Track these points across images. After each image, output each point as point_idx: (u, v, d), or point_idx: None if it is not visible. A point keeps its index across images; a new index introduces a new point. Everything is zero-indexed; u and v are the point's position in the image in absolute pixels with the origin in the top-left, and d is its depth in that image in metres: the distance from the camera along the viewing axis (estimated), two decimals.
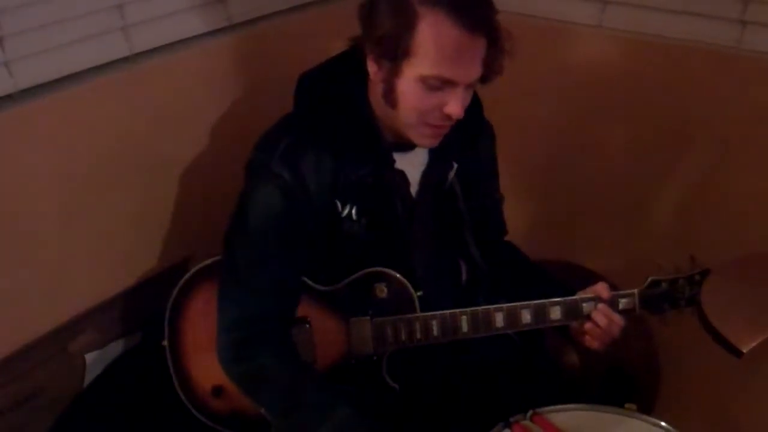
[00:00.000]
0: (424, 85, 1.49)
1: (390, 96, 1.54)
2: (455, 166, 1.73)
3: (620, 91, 2.17)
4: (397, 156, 1.67)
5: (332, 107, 1.63)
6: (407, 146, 1.67)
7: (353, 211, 1.64)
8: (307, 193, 1.59)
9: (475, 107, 1.74)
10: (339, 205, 1.63)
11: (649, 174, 2.19)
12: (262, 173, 1.60)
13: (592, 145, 2.26)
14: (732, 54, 1.97)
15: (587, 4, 2.15)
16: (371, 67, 1.55)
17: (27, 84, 1.71)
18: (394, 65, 1.50)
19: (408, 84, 1.51)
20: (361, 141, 1.62)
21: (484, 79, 1.55)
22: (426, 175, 1.73)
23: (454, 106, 1.51)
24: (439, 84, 1.49)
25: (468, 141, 1.75)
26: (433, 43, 1.45)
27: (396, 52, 1.48)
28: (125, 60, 1.87)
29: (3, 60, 1.66)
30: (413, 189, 1.72)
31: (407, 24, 1.46)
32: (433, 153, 1.72)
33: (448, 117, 1.53)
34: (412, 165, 1.71)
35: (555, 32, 2.21)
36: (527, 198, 2.32)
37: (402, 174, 1.69)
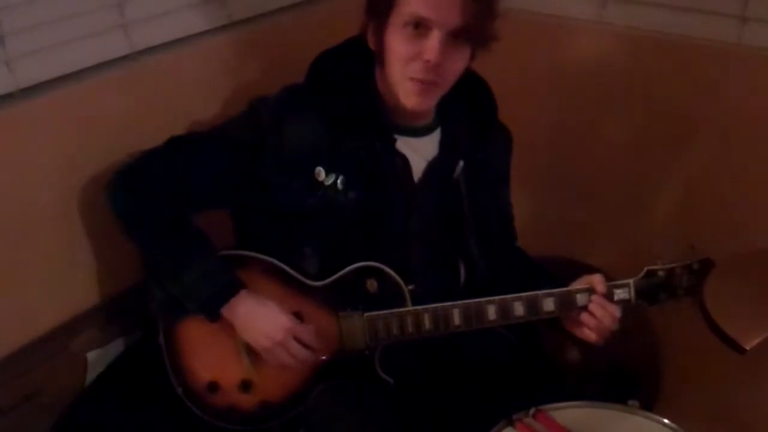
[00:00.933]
0: (404, 31, 1.57)
1: (380, 55, 1.63)
2: (461, 163, 1.73)
3: (620, 87, 2.17)
4: (401, 139, 1.70)
5: (339, 80, 1.69)
6: (414, 132, 1.70)
7: (338, 181, 1.66)
8: (279, 144, 1.65)
9: (488, 108, 1.77)
10: (322, 172, 1.66)
11: (650, 169, 2.19)
12: (250, 108, 1.72)
13: (592, 141, 2.26)
14: (733, 50, 1.97)
15: (587, 0, 2.15)
16: (369, 39, 1.65)
17: (28, 82, 1.71)
18: (382, 20, 1.60)
19: (392, 35, 1.60)
20: (360, 113, 1.67)
21: (469, 36, 1.59)
22: (432, 166, 1.73)
23: (430, 50, 1.55)
24: (415, 26, 1.56)
25: (477, 141, 1.76)
26: None
27: (383, 5, 1.59)
28: (125, 58, 1.87)
29: (4, 58, 1.66)
30: (416, 176, 1.73)
31: None
32: (443, 145, 1.74)
33: (427, 67, 1.57)
34: (417, 152, 1.72)
35: (555, 28, 2.22)
36: (528, 194, 2.31)
37: (403, 157, 1.70)
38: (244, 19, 2.09)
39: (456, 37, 1.57)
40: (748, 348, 1.41)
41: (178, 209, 1.70)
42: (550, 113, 2.30)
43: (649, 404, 2.12)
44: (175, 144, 1.74)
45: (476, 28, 1.57)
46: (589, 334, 1.68)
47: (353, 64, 1.69)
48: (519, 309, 1.67)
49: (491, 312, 1.67)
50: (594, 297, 1.66)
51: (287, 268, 1.71)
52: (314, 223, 1.68)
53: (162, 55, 1.92)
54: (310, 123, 1.66)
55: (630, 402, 1.56)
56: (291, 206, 1.68)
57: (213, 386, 1.75)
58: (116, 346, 2.01)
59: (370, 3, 1.64)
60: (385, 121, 1.69)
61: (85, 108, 1.79)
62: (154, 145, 1.74)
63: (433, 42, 1.55)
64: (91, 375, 1.96)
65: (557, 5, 2.20)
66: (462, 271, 1.83)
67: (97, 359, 1.96)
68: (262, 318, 1.65)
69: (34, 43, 1.70)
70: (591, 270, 1.72)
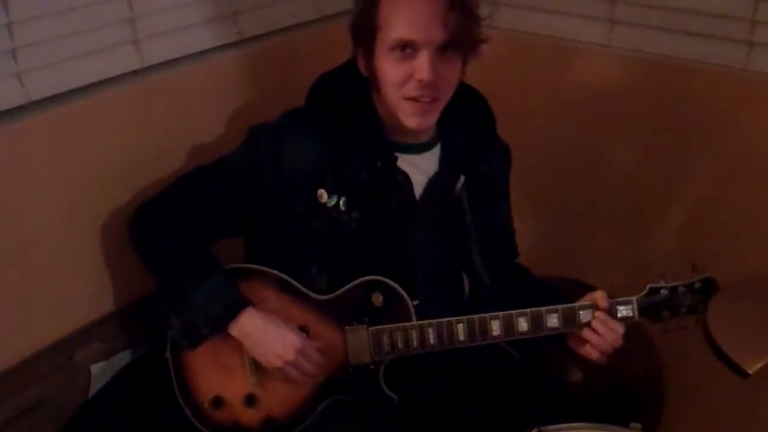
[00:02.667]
0: (392, 55, 1.59)
1: (374, 81, 1.65)
2: (462, 178, 1.74)
3: (626, 111, 2.17)
4: (402, 157, 1.71)
5: (339, 102, 1.71)
6: (414, 149, 1.71)
7: (341, 202, 1.67)
8: (279, 168, 1.67)
9: (486, 122, 1.78)
10: (324, 194, 1.67)
11: (654, 192, 2.20)
12: (248, 136, 1.74)
13: (598, 163, 2.27)
14: (739, 75, 1.98)
15: (595, 24, 2.16)
16: (360, 65, 1.67)
17: (39, 95, 1.72)
18: (369, 47, 1.62)
19: (381, 60, 1.61)
20: (361, 135, 1.68)
21: (457, 47, 1.60)
22: (433, 182, 1.74)
23: (422, 70, 1.57)
24: (402, 48, 1.57)
25: (478, 155, 1.77)
26: (392, 11, 1.58)
27: (367, 33, 1.62)
28: (136, 73, 1.89)
29: (15, 71, 1.67)
30: (417, 193, 1.74)
31: (372, 4, 1.60)
32: (443, 161, 1.75)
33: (421, 85, 1.58)
34: (418, 169, 1.73)
35: (563, 51, 2.23)
36: (532, 215, 2.32)
37: (404, 175, 1.71)
38: (254, 36, 2.11)
39: (444, 50, 1.58)
40: (750, 372, 1.40)
41: (190, 240, 1.74)
42: (556, 135, 2.30)
43: (652, 427, 2.11)
44: (183, 181, 1.79)
45: (462, 37, 1.58)
46: (591, 352, 1.68)
47: (352, 86, 1.70)
48: (523, 325, 1.67)
49: (495, 327, 1.67)
50: (597, 313, 1.66)
51: (293, 282, 1.72)
52: (320, 243, 1.70)
53: (173, 71, 1.94)
54: (310, 146, 1.67)
55: (632, 425, 1.55)
56: (296, 228, 1.70)
57: (218, 401, 1.75)
58: (121, 359, 2.01)
59: (355, 32, 1.66)
60: (386, 141, 1.71)
61: (96, 122, 1.80)
62: (164, 160, 1.75)
63: (422, 61, 1.56)
64: (95, 387, 1.96)
65: (565, 29, 2.21)
66: (466, 284, 1.83)
67: (101, 371, 1.96)
68: (271, 337, 1.66)
69: (46, 57, 1.72)
70: (594, 290, 1.72)
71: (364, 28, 1.61)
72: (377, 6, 1.59)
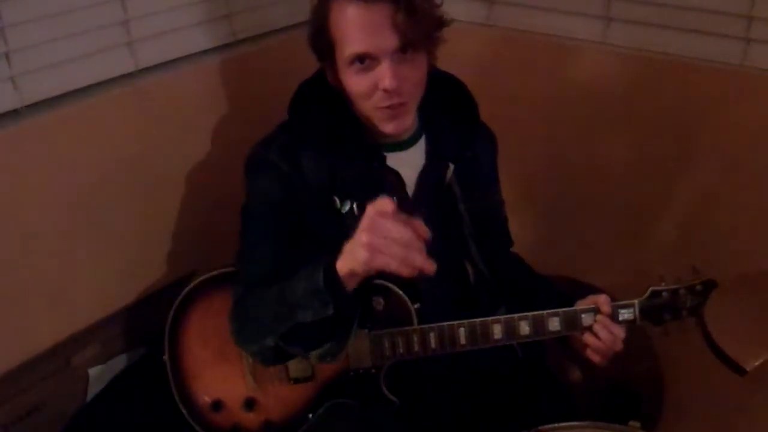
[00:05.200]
0: (352, 68, 1.57)
1: (344, 93, 1.63)
2: (452, 166, 1.74)
3: (624, 108, 2.17)
4: (390, 156, 1.70)
5: (322, 111, 1.69)
6: (400, 146, 1.71)
7: (354, 207, 1.66)
8: (305, 183, 1.64)
9: (468, 109, 1.77)
10: (338, 201, 1.66)
11: (653, 190, 2.19)
12: (261, 165, 1.67)
13: (595, 162, 2.26)
14: (736, 71, 1.97)
15: (591, 21, 2.15)
16: (328, 77, 1.66)
17: (33, 99, 1.72)
18: (330, 62, 1.61)
19: (345, 74, 1.60)
20: (350, 139, 1.67)
21: (416, 47, 1.57)
22: (422, 175, 1.74)
23: (384, 79, 1.55)
24: (360, 61, 1.56)
25: (463, 141, 1.76)
26: (341, 27, 1.56)
27: (324, 49, 1.61)
28: (130, 75, 1.88)
29: (9, 75, 1.68)
30: (409, 189, 1.73)
31: (322, 20, 1.59)
32: (429, 153, 1.74)
33: (388, 93, 1.57)
34: (407, 165, 1.72)
35: (559, 49, 2.22)
36: (531, 214, 2.32)
37: (395, 173, 1.70)
38: (248, 37, 2.11)
39: (404, 52, 1.56)
40: (748, 369, 1.40)
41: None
42: (553, 133, 2.30)
43: (651, 426, 2.11)
44: (248, 272, 1.68)
45: (416, 37, 1.56)
46: (593, 356, 1.68)
47: (329, 94, 1.68)
48: (525, 328, 1.66)
49: (497, 331, 1.67)
50: (599, 318, 1.66)
51: None
52: (333, 251, 1.68)
53: (167, 73, 1.94)
54: (318, 155, 1.66)
55: (631, 423, 1.55)
56: (314, 236, 1.66)
57: (217, 404, 1.75)
58: (118, 362, 2.01)
59: (315, 49, 1.65)
60: (372, 143, 1.69)
61: (90, 125, 1.80)
62: (159, 162, 1.73)
63: (383, 71, 1.55)
64: (92, 391, 1.96)
65: (561, 26, 2.20)
66: (470, 271, 1.82)
67: (98, 375, 1.97)
68: (350, 251, 1.49)
69: (40, 60, 1.72)
70: (594, 290, 1.71)
71: (321, 45, 1.61)
72: (327, 22, 1.58)
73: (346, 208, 1.66)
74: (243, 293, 1.64)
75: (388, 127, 1.62)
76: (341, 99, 1.67)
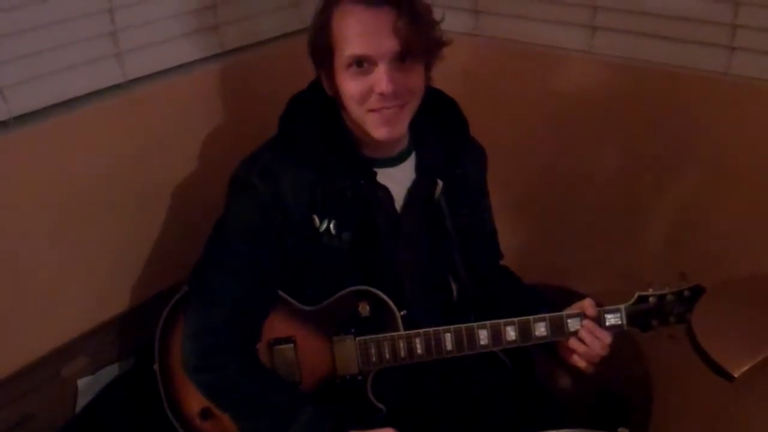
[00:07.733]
0: (349, 72, 1.59)
1: (339, 99, 1.64)
2: (440, 183, 1.74)
3: (610, 115, 2.18)
4: (380, 171, 1.70)
5: (313, 125, 1.70)
6: (390, 162, 1.72)
7: (332, 225, 1.66)
8: (282, 207, 1.64)
9: (458, 126, 1.79)
10: (317, 219, 1.66)
11: (639, 198, 2.20)
12: (241, 186, 1.68)
13: (582, 170, 2.27)
14: (720, 79, 1.99)
15: (577, 30, 2.16)
16: (324, 85, 1.67)
17: (21, 110, 1.71)
18: (329, 67, 1.62)
19: (341, 78, 1.61)
20: (340, 154, 1.68)
21: (415, 55, 1.59)
22: (411, 192, 1.74)
23: (379, 82, 1.56)
24: (358, 64, 1.57)
25: (452, 158, 1.77)
26: (343, 29, 1.58)
27: (324, 53, 1.62)
28: (119, 86, 1.88)
29: None
30: (398, 205, 1.73)
31: (324, 24, 1.61)
32: (419, 170, 1.75)
33: (382, 97, 1.58)
34: (396, 181, 1.73)
35: (545, 58, 2.23)
36: (518, 223, 2.32)
37: (385, 189, 1.71)
38: (236, 48, 2.11)
39: (402, 60, 1.58)
40: (736, 375, 1.40)
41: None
42: (540, 142, 2.31)
43: (641, 431, 2.12)
44: (211, 287, 1.71)
45: (416, 45, 1.57)
46: (579, 361, 1.69)
47: (321, 108, 1.70)
48: (511, 334, 1.67)
49: (483, 337, 1.67)
50: (584, 322, 1.66)
51: (281, 293, 1.71)
52: (314, 268, 1.69)
53: (155, 84, 1.93)
54: (300, 174, 1.65)
55: (620, 430, 1.55)
56: (294, 256, 1.67)
57: (206, 413, 1.75)
58: (107, 373, 2.00)
59: (313, 54, 1.66)
60: (362, 158, 1.70)
61: (79, 136, 1.80)
62: (147, 173, 1.73)
63: (379, 75, 1.56)
64: (81, 402, 1.95)
65: (546, 35, 2.22)
66: (454, 288, 1.83)
67: (87, 386, 1.96)
68: None
69: (28, 72, 1.71)
70: (582, 298, 1.72)
71: (321, 48, 1.62)
72: (329, 25, 1.59)
73: (324, 226, 1.66)
74: (229, 361, 1.65)
75: (379, 132, 1.62)
76: (334, 113, 1.68)
